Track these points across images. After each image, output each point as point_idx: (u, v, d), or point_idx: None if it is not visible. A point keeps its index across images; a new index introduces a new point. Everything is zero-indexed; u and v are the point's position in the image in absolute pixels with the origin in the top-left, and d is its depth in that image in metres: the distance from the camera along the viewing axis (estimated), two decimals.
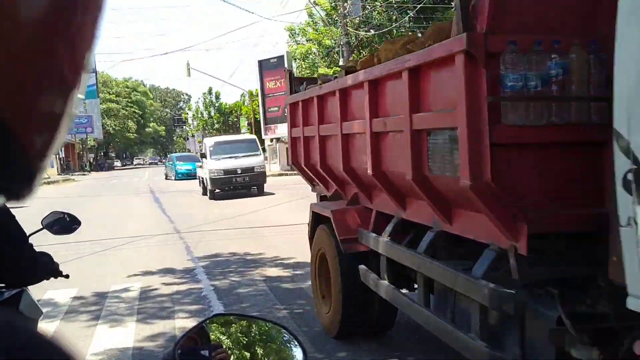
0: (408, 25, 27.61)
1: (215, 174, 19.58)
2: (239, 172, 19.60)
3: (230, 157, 19.86)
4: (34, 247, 2.28)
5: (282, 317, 5.63)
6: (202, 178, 21.89)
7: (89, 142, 67.98)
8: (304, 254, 9.03)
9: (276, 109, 31.16)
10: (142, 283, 7.66)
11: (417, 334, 5.24)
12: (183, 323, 5.69)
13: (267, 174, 21.82)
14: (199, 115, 60.67)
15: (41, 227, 2.86)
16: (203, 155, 21.00)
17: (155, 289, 7.32)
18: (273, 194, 19.97)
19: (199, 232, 12.07)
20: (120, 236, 11.79)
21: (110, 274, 8.30)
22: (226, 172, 19.46)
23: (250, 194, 20.17)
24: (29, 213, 3.29)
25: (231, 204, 17.58)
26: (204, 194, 21.39)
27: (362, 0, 25.81)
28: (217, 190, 20.12)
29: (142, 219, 15.29)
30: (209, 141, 21.94)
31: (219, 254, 9.47)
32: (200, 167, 22.55)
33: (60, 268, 2.68)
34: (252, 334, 1.57)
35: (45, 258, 2.51)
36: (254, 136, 23.47)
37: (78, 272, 7.89)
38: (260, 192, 20.29)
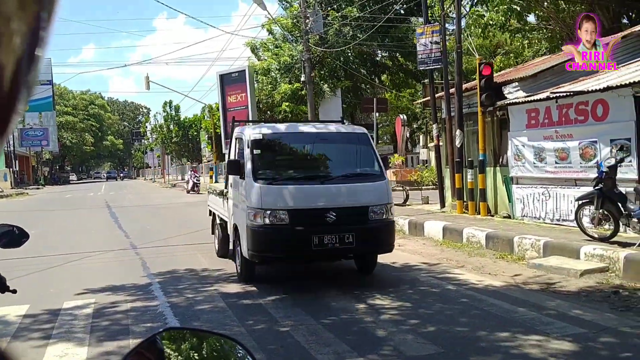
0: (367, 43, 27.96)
1: (267, 221, 7.59)
2: (331, 217, 7.58)
3: (302, 181, 8.19)
4: None
5: (239, 334, 5.57)
6: (222, 222, 10.08)
7: (44, 155, 66.35)
8: (261, 271, 9.01)
9: (237, 123, 31.03)
10: (97, 300, 7.48)
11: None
12: (138, 341, 5.56)
13: None
14: (158, 129, 59.97)
15: None
16: (234, 168, 8.39)
17: (110, 306, 7.16)
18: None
19: (155, 247, 11.88)
20: (74, 251, 11.52)
21: (64, 291, 8.09)
22: (295, 215, 7.63)
23: (342, 272, 8.89)
24: None
25: None
26: (222, 255, 10.18)
27: (323, 18, 26.02)
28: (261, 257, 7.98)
29: (98, 234, 14.97)
30: (251, 133, 8.52)
31: (175, 270, 9.33)
32: (221, 195, 9.92)
33: (13, 283, 2.62)
34: (205, 350, 1.56)
35: None
36: (363, 129, 9.39)
37: (29, 288, 7.69)
38: (368, 270, 8.55)
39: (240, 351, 1.56)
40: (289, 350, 5.30)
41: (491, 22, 19.59)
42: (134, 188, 48.90)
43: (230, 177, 8.92)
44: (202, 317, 6.53)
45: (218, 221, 10.57)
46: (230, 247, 9.46)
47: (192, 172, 34.49)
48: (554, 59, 14.78)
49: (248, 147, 8.24)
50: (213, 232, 11.19)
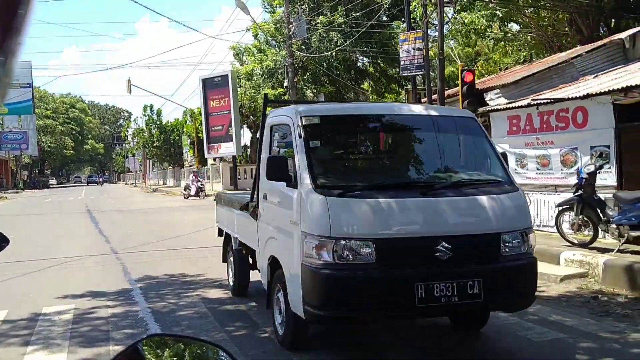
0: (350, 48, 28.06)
1: (339, 257, 4.48)
2: (444, 251, 4.53)
3: (392, 192, 4.81)
4: None
5: (221, 340, 5.53)
6: (242, 247, 7.48)
7: (23, 159, 65.57)
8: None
9: (220, 127, 30.93)
10: (77, 305, 7.39)
11: None
12: (118, 347, 5.51)
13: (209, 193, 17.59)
14: (139, 133, 59.65)
15: None
16: (277, 170, 5.10)
17: (90, 312, 7.07)
18: None
19: (136, 253, 11.77)
20: (54, 257, 11.37)
21: (43, 296, 7.98)
22: (387, 249, 4.53)
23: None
24: None
25: None
26: (240, 293, 7.65)
27: (306, 23, 26.08)
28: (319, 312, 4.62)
29: (78, 239, 14.80)
30: (304, 116, 5.22)
31: (157, 276, 9.25)
32: (245, 209, 6.66)
33: None
34: (188, 357, 1.54)
35: None
36: (470, 112, 6.25)
37: (8, 293, 7.58)
38: (478, 325, 5.78)
39: (223, 357, 1.54)
40: (270, 356, 5.28)
41: (472, 26, 19.75)
42: (114, 193, 48.48)
43: (266, 184, 5.69)
44: (184, 322, 6.47)
45: (235, 245, 7.70)
46: (261, 280, 6.39)
47: (194, 177, 33.50)
48: (535, 66, 14.95)
49: (300, 137, 5.09)
50: (225, 260, 8.34)
